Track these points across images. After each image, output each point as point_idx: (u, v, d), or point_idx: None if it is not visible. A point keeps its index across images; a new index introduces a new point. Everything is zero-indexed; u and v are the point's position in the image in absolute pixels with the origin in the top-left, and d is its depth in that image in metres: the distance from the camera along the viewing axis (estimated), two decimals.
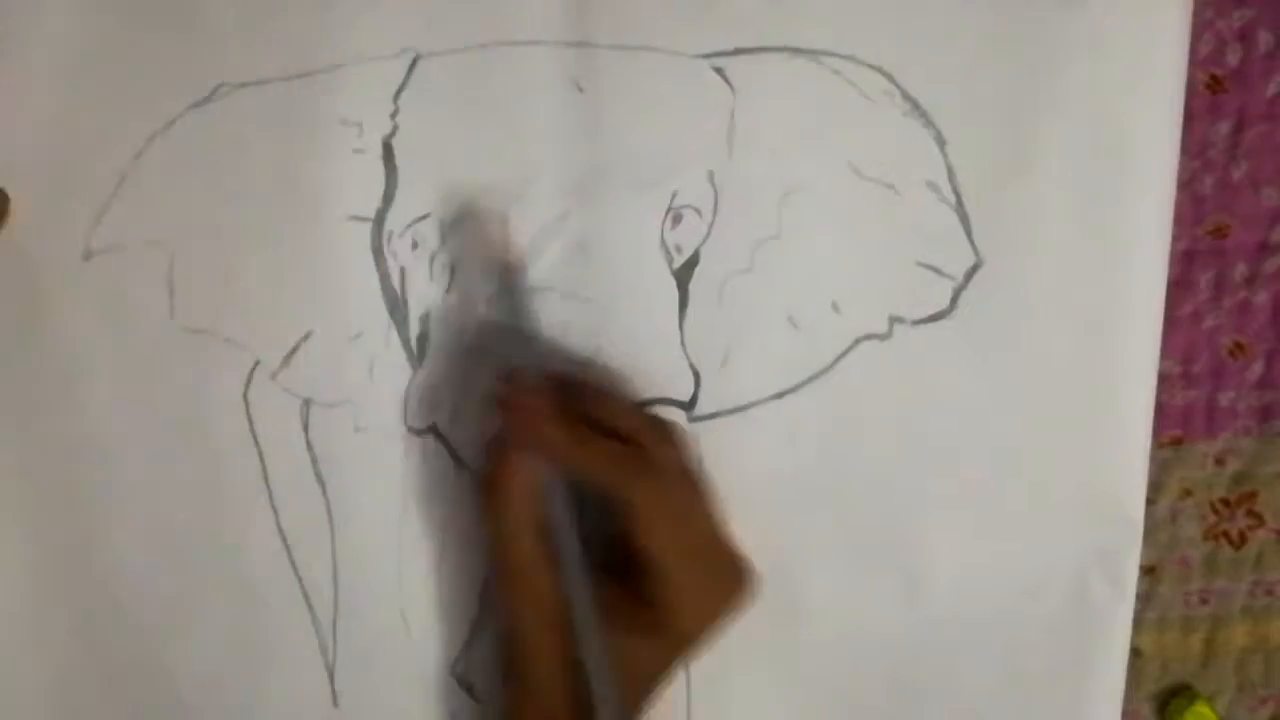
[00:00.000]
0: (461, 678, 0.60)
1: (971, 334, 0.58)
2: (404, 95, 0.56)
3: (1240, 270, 0.62)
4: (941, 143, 0.57)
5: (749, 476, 0.59)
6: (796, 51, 0.56)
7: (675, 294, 0.58)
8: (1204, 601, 0.65)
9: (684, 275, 0.58)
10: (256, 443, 0.58)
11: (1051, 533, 0.60)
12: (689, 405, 0.58)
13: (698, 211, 0.57)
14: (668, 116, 0.56)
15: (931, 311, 0.58)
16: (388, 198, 0.56)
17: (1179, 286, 0.62)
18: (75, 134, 0.55)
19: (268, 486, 0.58)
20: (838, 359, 0.58)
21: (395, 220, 0.57)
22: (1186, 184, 0.60)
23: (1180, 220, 0.60)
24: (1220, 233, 0.62)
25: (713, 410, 0.58)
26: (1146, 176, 0.58)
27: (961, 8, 0.57)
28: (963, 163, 0.57)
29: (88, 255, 0.56)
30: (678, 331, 0.58)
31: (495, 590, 0.55)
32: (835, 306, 0.58)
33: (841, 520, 0.60)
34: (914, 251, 0.58)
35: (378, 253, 0.57)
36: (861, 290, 0.58)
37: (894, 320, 0.58)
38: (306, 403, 0.58)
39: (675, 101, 0.56)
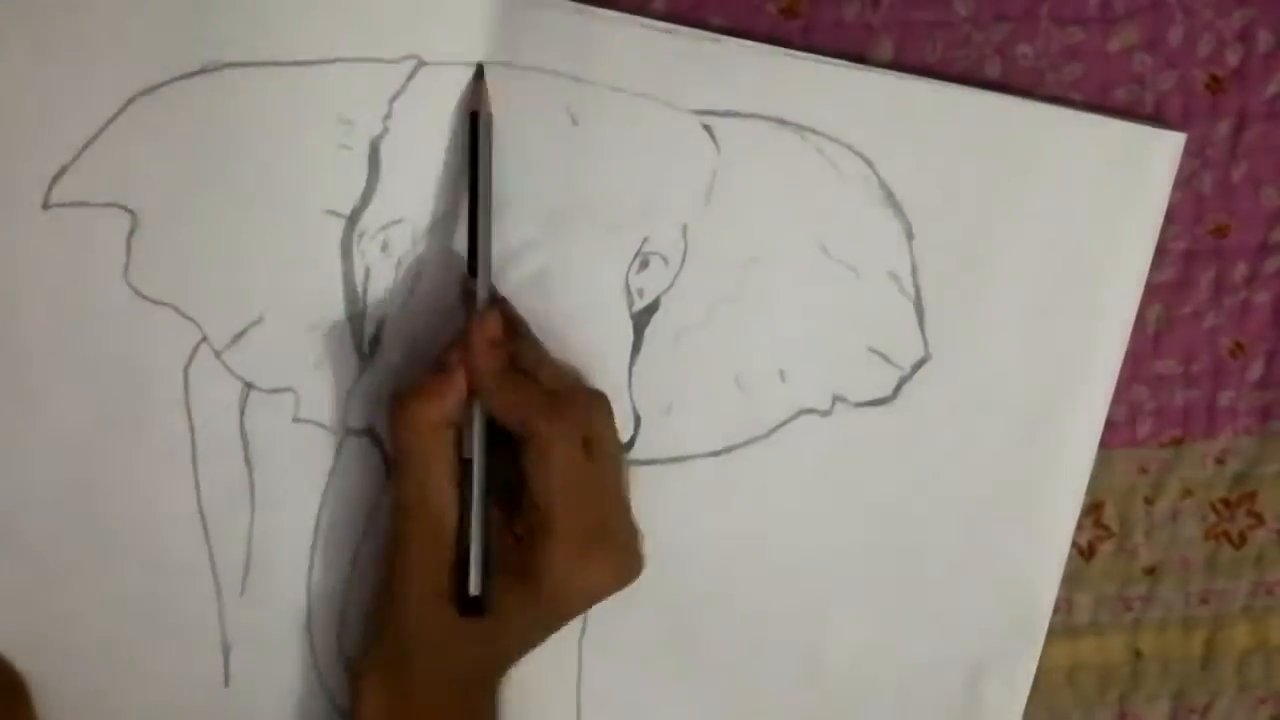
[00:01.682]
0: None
1: (909, 424, 0.59)
2: (400, 100, 0.56)
3: (1240, 270, 0.62)
4: (909, 236, 0.58)
5: (673, 526, 0.60)
6: (784, 123, 0.57)
7: (630, 337, 0.58)
8: (1204, 601, 0.64)
9: (641, 320, 0.58)
10: (190, 417, 0.58)
11: (953, 629, 0.61)
12: (626, 448, 0.59)
13: (665, 260, 0.58)
14: (652, 163, 0.57)
15: (874, 396, 0.59)
16: (366, 198, 0.57)
17: (1179, 286, 0.61)
18: (51, 83, 0.55)
19: (194, 462, 0.58)
20: (777, 427, 0.59)
21: (369, 221, 0.57)
22: (1186, 184, 0.60)
23: (1180, 220, 0.61)
24: (1220, 233, 0.61)
25: (648, 457, 0.59)
26: (1106, 298, 0.59)
27: (950, 112, 0.58)
28: (927, 258, 0.58)
29: (47, 205, 0.56)
30: (626, 373, 0.58)
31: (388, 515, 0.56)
32: (782, 375, 0.59)
33: (752, 585, 0.60)
34: (866, 336, 0.59)
35: (346, 250, 0.57)
36: (810, 364, 0.59)
37: (837, 398, 0.59)
38: (247, 386, 0.58)
39: (662, 150, 0.57)
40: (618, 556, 0.56)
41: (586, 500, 0.54)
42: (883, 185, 0.58)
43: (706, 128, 0.57)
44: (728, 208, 0.58)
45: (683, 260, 0.58)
